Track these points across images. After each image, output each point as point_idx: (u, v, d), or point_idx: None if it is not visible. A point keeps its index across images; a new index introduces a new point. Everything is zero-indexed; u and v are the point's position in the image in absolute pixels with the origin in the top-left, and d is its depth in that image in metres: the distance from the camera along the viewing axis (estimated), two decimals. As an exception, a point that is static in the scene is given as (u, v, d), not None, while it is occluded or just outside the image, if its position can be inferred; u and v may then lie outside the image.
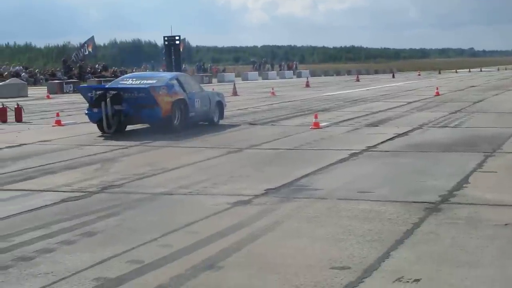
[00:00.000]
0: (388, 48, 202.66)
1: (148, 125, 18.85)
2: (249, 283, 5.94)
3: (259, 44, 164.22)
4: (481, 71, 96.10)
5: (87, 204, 9.28)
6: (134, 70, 73.14)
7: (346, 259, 6.52)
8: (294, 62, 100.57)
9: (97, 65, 71.88)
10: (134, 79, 19.15)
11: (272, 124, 20.25)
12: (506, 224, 7.74)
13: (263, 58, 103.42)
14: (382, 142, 15.24)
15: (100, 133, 17.93)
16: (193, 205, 9.12)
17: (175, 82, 18.93)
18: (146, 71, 62.85)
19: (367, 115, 22.72)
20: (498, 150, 13.75)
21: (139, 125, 19.02)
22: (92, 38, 66.95)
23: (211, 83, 60.29)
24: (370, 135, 16.80)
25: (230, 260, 6.58)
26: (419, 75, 78.86)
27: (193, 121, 19.32)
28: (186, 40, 78.88)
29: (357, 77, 64.23)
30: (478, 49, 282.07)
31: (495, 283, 5.82)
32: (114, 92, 17.72)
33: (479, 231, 7.45)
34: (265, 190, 9.91)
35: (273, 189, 10.02)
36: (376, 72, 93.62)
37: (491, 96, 32.77)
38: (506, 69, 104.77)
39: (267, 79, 71.67)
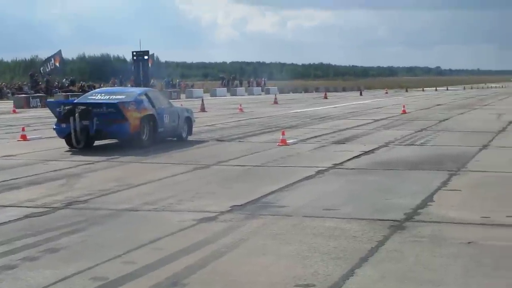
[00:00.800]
0: (356, 66, 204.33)
1: (117, 140, 18.77)
2: (213, 301, 5.91)
3: (228, 60, 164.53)
4: (447, 89, 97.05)
5: (51, 220, 9.19)
6: (102, 85, 72.80)
7: (310, 276, 6.52)
8: (263, 79, 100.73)
9: (64, 80, 71.40)
10: (103, 94, 19.13)
11: (240, 141, 20.26)
12: (469, 242, 7.80)
13: (232, 74, 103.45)
14: (348, 160, 15.31)
15: (67, 148, 17.80)
16: (158, 222, 9.08)
17: (144, 97, 18.98)
18: (114, 86, 62.65)
19: (334, 132, 22.82)
20: (462, 168, 13.88)
21: (108, 140, 18.91)
22: (60, 52, 66.58)
23: (180, 98, 60.11)
24: (336, 152, 16.87)
25: (194, 277, 6.56)
26: (386, 93, 79.41)
27: (162, 136, 19.36)
28: (155, 55, 78.77)
29: (325, 94, 64.51)
30: (444, 68, 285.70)
31: (457, 301, 5.86)
32: (83, 107, 17.66)
33: (443, 249, 7.51)
34: (231, 207, 9.90)
35: (239, 205, 10.02)
36: (344, 89, 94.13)
37: (456, 114, 33.11)
38: (472, 88, 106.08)
39: (235, 95, 71.72)
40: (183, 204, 10.25)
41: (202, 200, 10.51)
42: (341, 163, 14.73)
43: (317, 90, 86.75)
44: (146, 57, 34.36)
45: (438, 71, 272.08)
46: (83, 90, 64.84)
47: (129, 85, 58.86)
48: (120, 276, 6.56)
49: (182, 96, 64.77)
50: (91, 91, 22.14)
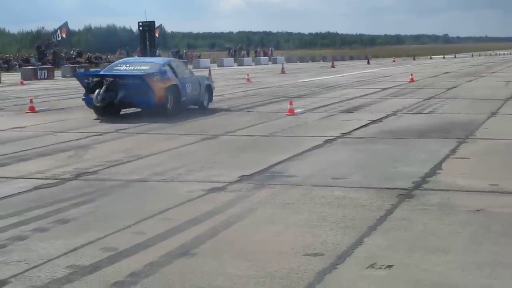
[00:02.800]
0: (364, 34, 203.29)
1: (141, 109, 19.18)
2: (223, 270, 5.94)
3: (235, 30, 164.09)
4: (455, 57, 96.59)
5: (60, 191, 9.23)
6: (109, 56, 72.77)
7: (319, 245, 6.54)
8: (270, 49, 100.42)
9: (71, 51, 71.37)
10: (128, 65, 19.63)
11: (248, 111, 20.24)
12: (478, 210, 7.80)
13: (239, 45, 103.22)
14: (356, 129, 15.29)
15: (75, 119, 17.88)
16: (167, 192, 9.10)
17: (167, 68, 19.42)
18: (121, 57, 62.54)
19: (342, 101, 22.77)
20: (471, 136, 13.85)
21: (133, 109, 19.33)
22: (66, 23, 66.44)
23: (186, 69, 60.00)
24: (344, 121, 16.85)
25: (204, 247, 6.59)
26: (394, 61, 79.14)
27: (185, 105, 19.84)
28: (162, 26, 78.46)
29: (333, 63, 64.28)
30: (452, 36, 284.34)
31: (466, 269, 5.87)
32: (111, 79, 18.21)
33: (451, 217, 7.51)
34: (239, 177, 9.91)
35: (248, 175, 10.03)
36: (352, 58, 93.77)
37: (464, 82, 32.97)
38: (480, 55, 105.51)
39: (242, 65, 71.53)
40: (192, 174, 10.27)
41: (211, 171, 10.53)
42: (349, 132, 14.72)
43: (324, 59, 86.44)
44: (152, 28, 34.20)
45: (446, 39, 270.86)
46: (90, 62, 64.98)
47: (136, 56, 58.73)
48: (130, 246, 6.59)
49: (189, 66, 64.67)
50: (116, 61, 22.60)
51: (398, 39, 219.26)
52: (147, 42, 34.40)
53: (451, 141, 13.19)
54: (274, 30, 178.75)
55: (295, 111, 18.79)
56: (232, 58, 79.55)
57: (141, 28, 34.57)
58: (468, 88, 28.93)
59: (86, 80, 18.72)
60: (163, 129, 16.01)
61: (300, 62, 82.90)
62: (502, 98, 22.68)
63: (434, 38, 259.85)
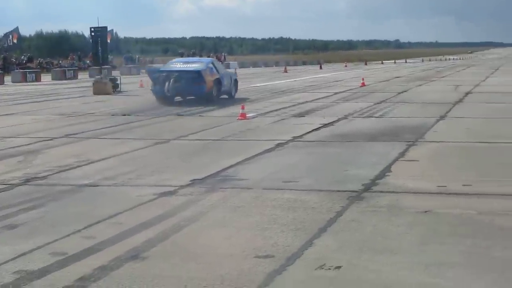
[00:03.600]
0: (316, 40, 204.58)
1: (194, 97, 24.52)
2: (174, 273, 5.93)
3: (188, 36, 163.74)
4: (406, 62, 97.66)
5: (9, 197, 9.12)
6: (60, 61, 72.00)
7: (270, 247, 6.57)
8: (223, 54, 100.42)
9: (22, 56, 70.46)
10: (182, 64, 25.77)
11: (200, 115, 20.22)
12: (425, 211, 7.91)
13: (192, 50, 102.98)
14: (308, 132, 15.39)
15: (23, 124, 17.72)
16: (118, 197, 9.06)
17: (212, 65, 25.54)
18: (73, 62, 61.92)
19: (294, 105, 22.88)
20: (420, 139, 14.03)
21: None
22: (17, 28, 65.60)
23: (139, 74, 59.74)
24: (296, 125, 16.94)
25: (154, 250, 6.57)
26: (346, 66, 79.69)
27: (222, 94, 25.64)
28: (114, 31, 77.89)
29: (285, 68, 64.52)
30: (403, 41, 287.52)
31: (414, 269, 5.95)
32: (176, 74, 24.00)
33: (399, 219, 7.60)
34: (191, 181, 9.91)
35: (199, 179, 10.03)
36: (304, 63, 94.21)
37: (414, 86, 33.37)
38: (430, 60, 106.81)
39: (195, 70, 71.25)
40: (143, 178, 10.23)
41: (162, 175, 10.50)
42: (301, 136, 14.80)
43: (277, 64, 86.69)
44: (104, 33, 34.02)
45: (397, 44, 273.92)
46: (41, 67, 64.20)
47: (88, 62, 58.25)
48: (80, 251, 6.54)
49: (142, 71, 64.30)
50: (171, 61, 27.93)
51: (350, 44, 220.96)
52: (99, 48, 34.10)
53: (401, 144, 13.35)
54: (228, 36, 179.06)
55: (247, 115, 18.83)
56: (185, 63, 79.14)
57: (93, 34, 34.31)
58: (418, 92, 29.29)
59: (155, 75, 24.33)
60: (114, 134, 15.91)
61: (253, 67, 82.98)
62: (451, 102, 23.01)
63: (386, 44, 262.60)
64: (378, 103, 23.18)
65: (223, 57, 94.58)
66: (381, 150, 12.70)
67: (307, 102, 24.37)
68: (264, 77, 50.17)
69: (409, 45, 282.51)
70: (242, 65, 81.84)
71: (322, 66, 77.59)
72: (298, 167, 11.10)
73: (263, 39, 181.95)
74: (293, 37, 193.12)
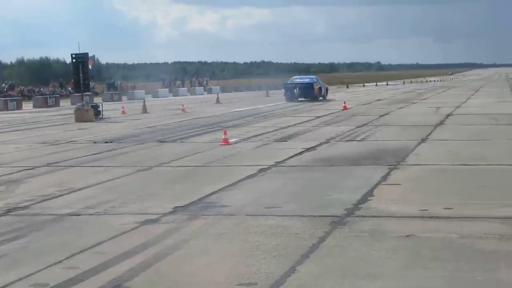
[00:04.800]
0: (298, 63, 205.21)
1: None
2: (156, 303, 5.92)
3: (170, 61, 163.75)
4: (387, 84, 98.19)
5: (-10, 228, 9.06)
6: (42, 89, 71.79)
7: (253, 275, 6.58)
8: (205, 79, 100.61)
9: (3, 84, 70.27)
10: (301, 79, 47.31)
11: (182, 141, 20.22)
12: (408, 236, 7.95)
13: (174, 75, 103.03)
14: (290, 157, 15.43)
15: (8, 152, 17.68)
16: (100, 226, 9.03)
17: (316, 79, 47.20)
18: (54, 89, 61.88)
19: (276, 130, 22.95)
20: (402, 162, 14.11)
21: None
22: (-3, 56, 65.45)
23: (121, 100, 59.75)
24: (278, 150, 16.98)
25: (137, 279, 6.56)
26: (327, 89, 79.90)
27: (321, 96, 46.29)
28: (96, 57, 77.83)
29: (267, 92, 64.67)
30: (384, 63, 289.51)
31: (396, 294, 5.97)
32: (300, 85, 45.06)
33: (382, 243, 7.63)
34: (173, 208, 9.90)
35: (182, 206, 10.02)
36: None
37: (396, 109, 33.56)
38: (411, 82, 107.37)
39: (178, 95, 71.42)
40: (126, 207, 10.22)
41: (145, 202, 10.49)
42: (283, 161, 14.84)
43: (259, 88, 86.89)
44: (85, 59, 33.99)
45: (379, 66, 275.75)
46: (23, 95, 63.99)
47: (70, 88, 58.17)
48: (62, 282, 6.52)
49: (124, 97, 64.35)
50: (294, 77, 49.15)
51: (332, 67, 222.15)
52: (81, 74, 34.07)
53: (383, 167, 13.42)
54: (209, 60, 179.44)
55: (229, 140, 18.86)
56: (167, 89, 79.29)
57: (74, 60, 34.29)
58: (400, 114, 29.47)
59: (287, 86, 45.94)
60: (97, 162, 15.88)
61: (236, 91, 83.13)
62: (432, 124, 23.17)
63: (367, 66, 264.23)
64: (360, 127, 23.29)
65: (205, 82, 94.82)
66: (364, 174, 12.75)
67: (289, 126, 24.45)
68: (246, 101, 50.23)
69: (390, 67, 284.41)
70: (224, 90, 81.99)
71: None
72: (281, 192, 11.12)
73: (245, 63, 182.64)
74: (274, 61, 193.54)
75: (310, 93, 44.75)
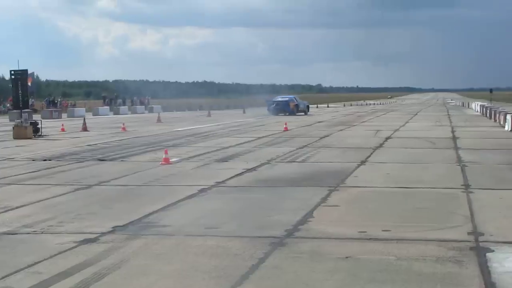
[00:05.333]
0: (240, 83, 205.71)
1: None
2: (93, 324, 5.85)
3: (111, 79, 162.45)
4: (328, 107, 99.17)
5: None
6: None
7: (191, 296, 6.55)
8: (146, 97, 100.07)
9: None
10: (281, 98, 60.84)
11: (122, 160, 20.06)
12: (346, 257, 8.02)
13: (115, 93, 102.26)
14: (231, 178, 15.43)
15: None
16: (37, 245, 8.89)
17: (294, 98, 60.16)
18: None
19: (217, 150, 22.94)
20: (341, 184, 14.25)
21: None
22: None
23: (61, 118, 59.00)
24: (219, 170, 16.97)
25: (74, 301, 6.47)
26: (308, 106, 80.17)
27: (299, 112, 58.03)
28: (35, 74, 76.84)
29: (209, 112, 64.67)
30: (325, 85, 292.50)
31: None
32: (279, 101, 58.67)
33: (321, 265, 7.69)
34: (112, 228, 9.81)
35: (121, 226, 9.94)
36: (228, 107, 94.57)
37: (336, 131, 33.90)
38: (351, 105, 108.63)
39: (118, 114, 70.85)
40: (64, 226, 10.08)
41: (83, 222, 10.36)
42: (224, 181, 14.84)
43: (201, 108, 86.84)
44: (24, 76, 33.55)
45: (320, 89, 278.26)
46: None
47: (8, 105, 57.21)
48: (-3, 302, 6.39)
49: (64, 115, 63.58)
50: (276, 96, 63.03)
51: (273, 88, 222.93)
52: (20, 91, 33.61)
53: (323, 189, 13.52)
54: (151, 79, 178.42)
55: (170, 160, 18.79)
56: (108, 107, 78.62)
57: (13, 77, 33.82)
58: (340, 137, 29.77)
59: (269, 103, 58.80)
60: (35, 180, 15.64)
61: (177, 110, 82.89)
62: (372, 147, 23.46)
63: (308, 88, 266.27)
64: (300, 148, 23.44)
65: (146, 101, 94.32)
66: (304, 195, 12.83)
67: (230, 146, 24.47)
68: (188, 121, 50.16)
69: (331, 89, 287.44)
70: (166, 109, 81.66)
71: (246, 110, 78.00)
72: (221, 212, 11.11)
73: (186, 83, 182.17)
74: (216, 81, 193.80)
75: (287, 109, 57.50)
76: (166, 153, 19.20)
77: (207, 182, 14.63)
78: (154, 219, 10.54)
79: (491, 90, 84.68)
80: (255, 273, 7.37)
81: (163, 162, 18.49)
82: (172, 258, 8.05)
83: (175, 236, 9.23)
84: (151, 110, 78.23)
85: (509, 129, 32.67)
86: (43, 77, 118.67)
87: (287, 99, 60.28)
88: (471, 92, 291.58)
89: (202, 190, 13.50)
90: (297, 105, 58.75)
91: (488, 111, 49.30)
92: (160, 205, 11.68)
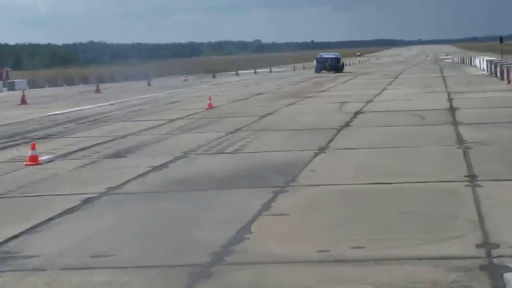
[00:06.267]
0: (141, 43, 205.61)
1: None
2: None
3: None
4: (271, 71, 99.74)
5: None
6: None
7: None
8: (5, 69, 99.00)
9: None
10: (326, 55, 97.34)
11: (-31, 162, 19.74)
12: (302, 290, 7.93)
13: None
14: (130, 180, 15.34)
15: None
16: None
17: (339, 56, 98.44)
18: None
19: (110, 141, 22.81)
20: (292, 183, 14.24)
21: None
22: None
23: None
24: (113, 170, 16.90)
25: None
26: (185, 80, 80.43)
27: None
28: None
29: (98, 87, 64.26)
30: (266, 41, 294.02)
31: None
32: (329, 59, 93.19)
33: (264, 303, 7.57)
34: (-49, 263, 9.60)
35: (-35, 259, 9.73)
36: (127, 78, 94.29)
37: (283, 106, 34.02)
38: (304, 67, 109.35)
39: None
40: None
41: None
42: (120, 186, 14.75)
43: (85, 81, 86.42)
44: None
45: (258, 46, 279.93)
46: None
47: None
48: None
49: None
50: (321, 53, 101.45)
51: (192, 49, 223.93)
52: None
53: (265, 190, 13.50)
54: (12, 42, 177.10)
55: (39, 158, 18.58)
56: None
57: None
58: (289, 114, 29.89)
59: (319, 59, 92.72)
60: None
61: (51, 86, 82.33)
62: (335, 127, 23.62)
63: (242, 46, 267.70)
64: (232, 133, 23.44)
65: (5, 73, 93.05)
66: (238, 201, 12.83)
67: (129, 135, 24.36)
68: (67, 100, 49.82)
69: (275, 46, 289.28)
70: (34, 84, 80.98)
71: (152, 81, 77.84)
72: (116, 233, 11.03)
73: (65, 45, 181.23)
74: (109, 41, 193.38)
75: (337, 65, 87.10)
76: (33, 148, 18.91)
77: (95, 188, 14.51)
78: (16, 247, 10.39)
79: (501, 40, 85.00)
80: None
81: (29, 162, 18.26)
82: (42, 305, 7.87)
83: (46, 272, 9.06)
84: (12, 87, 77.38)
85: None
86: None
87: (333, 56, 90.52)
88: (474, 43, 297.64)
89: (87, 201, 13.37)
90: (343, 64, 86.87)
91: (498, 68, 50.15)
92: (24, 226, 11.52)
